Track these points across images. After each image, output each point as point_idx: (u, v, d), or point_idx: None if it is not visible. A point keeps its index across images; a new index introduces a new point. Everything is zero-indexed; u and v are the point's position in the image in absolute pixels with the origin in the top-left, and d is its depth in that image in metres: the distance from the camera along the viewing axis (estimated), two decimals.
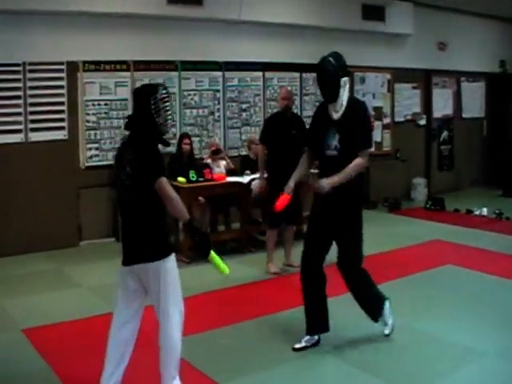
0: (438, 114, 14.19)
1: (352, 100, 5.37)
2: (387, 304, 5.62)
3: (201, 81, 10.34)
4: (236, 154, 10.61)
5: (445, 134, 14.32)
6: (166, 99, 4.15)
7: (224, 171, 8.95)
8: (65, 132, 9.16)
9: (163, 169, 4.13)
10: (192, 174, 8.30)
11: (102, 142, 9.41)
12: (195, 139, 9.99)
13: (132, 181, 4.14)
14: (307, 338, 5.47)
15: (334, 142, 5.19)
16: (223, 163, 9.20)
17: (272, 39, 11.02)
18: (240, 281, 7.36)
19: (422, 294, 7.05)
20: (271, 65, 11.12)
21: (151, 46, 9.72)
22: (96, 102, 9.40)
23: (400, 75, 13.27)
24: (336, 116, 5.25)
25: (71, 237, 9.25)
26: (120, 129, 9.32)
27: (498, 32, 15.32)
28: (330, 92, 5.19)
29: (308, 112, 11.64)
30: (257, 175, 8.45)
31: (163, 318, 4.26)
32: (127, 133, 4.31)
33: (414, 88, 13.71)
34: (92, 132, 9.36)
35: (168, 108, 4.16)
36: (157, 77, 9.77)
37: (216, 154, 9.28)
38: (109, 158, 9.22)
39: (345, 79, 5.18)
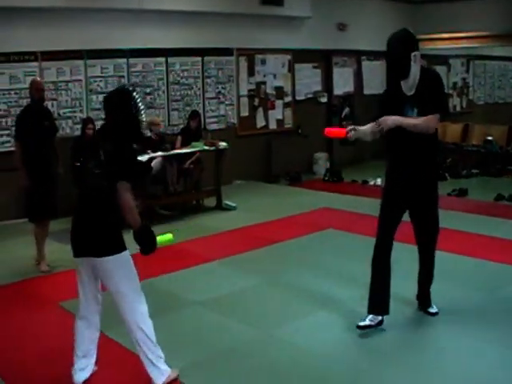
0: (338, 91, 15.00)
1: (424, 72, 5.21)
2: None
3: (106, 68, 10.92)
4: None
5: (346, 110, 15.15)
6: (140, 100, 4.48)
7: None
8: None
9: (132, 174, 4.33)
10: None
11: (13, 128, 9.85)
12: (101, 123, 10.54)
13: (103, 170, 4.32)
14: (371, 316, 5.47)
15: (414, 115, 5.13)
16: None
17: (173, 26, 11.61)
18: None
19: (298, 252, 8.03)
20: (173, 50, 11.77)
21: (58, 37, 10.18)
22: (6, 92, 9.91)
23: (300, 56, 14.00)
24: (410, 92, 5.19)
25: None
26: None
27: (396, 12, 16.07)
28: (400, 69, 5.10)
29: (210, 94, 12.45)
30: (158, 153, 9.33)
31: (127, 313, 4.42)
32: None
33: (314, 68, 14.47)
34: (3, 120, 9.89)
35: (143, 107, 4.49)
36: (64, 65, 10.37)
37: None
38: None
39: (415, 53, 5.07)
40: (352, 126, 5.35)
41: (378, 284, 5.44)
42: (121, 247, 4.36)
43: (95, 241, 4.33)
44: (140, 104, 4.46)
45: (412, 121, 5.08)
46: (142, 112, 4.49)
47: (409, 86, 5.17)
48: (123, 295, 4.38)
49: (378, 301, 5.46)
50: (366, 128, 5.39)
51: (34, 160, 7.35)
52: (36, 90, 7.55)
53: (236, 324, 5.78)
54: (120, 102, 4.46)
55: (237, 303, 6.32)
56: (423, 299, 5.80)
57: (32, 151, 7.35)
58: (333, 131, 5.61)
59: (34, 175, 7.33)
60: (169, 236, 4.55)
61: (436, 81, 5.23)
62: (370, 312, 5.47)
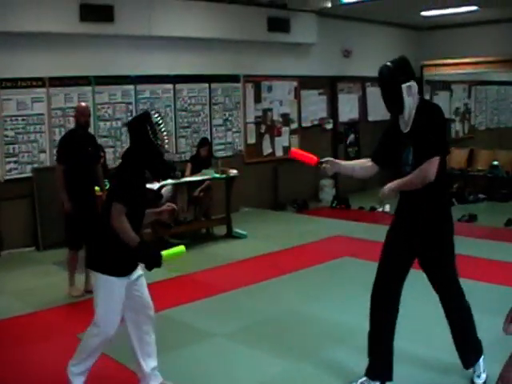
0: (344, 118, 14.95)
1: (422, 106, 4.44)
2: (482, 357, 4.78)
3: (114, 94, 10.83)
4: None
5: (351, 136, 15.09)
6: (160, 122, 4.46)
7: None
8: None
9: (127, 197, 4.30)
10: (104, 183, 8.88)
11: (20, 155, 9.81)
12: (109, 150, 10.55)
13: (108, 194, 4.60)
14: (364, 379, 4.73)
15: (410, 156, 4.43)
16: None
17: (181, 52, 11.57)
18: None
19: (316, 282, 7.86)
20: (181, 77, 11.71)
21: (65, 63, 10.10)
22: (14, 118, 9.79)
23: (306, 82, 13.97)
24: (406, 129, 4.46)
25: None
26: (37, 142, 9.88)
27: (401, 38, 16.12)
28: (391, 102, 4.44)
29: (218, 121, 12.36)
30: (168, 181, 9.20)
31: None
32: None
33: (320, 94, 14.42)
34: (10, 146, 9.75)
35: (163, 130, 4.46)
36: (72, 92, 10.26)
37: None
38: (27, 171, 9.78)
39: (409, 84, 4.34)
40: (328, 159, 4.75)
41: (375, 342, 4.69)
42: (110, 270, 4.40)
43: (92, 253, 4.68)
44: (159, 127, 4.43)
45: (405, 180, 4.37)
46: (162, 135, 4.44)
47: (404, 121, 4.45)
48: (96, 313, 4.48)
49: (376, 363, 4.69)
50: (355, 163, 4.95)
51: (75, 185, 7.30)
52: (82, 114, 7.51)
53: (262, 356, 5.61)
54: (135, 126, 4.51)
55: (259, 334, 6.14)
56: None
57: (73, 176, 7.30)
58: (300, 154, 4.94)
59: (73, 201, 7.28)
60: (181, 248, 4.50)
61: (432, 115, 4.41)
62: (366, 374, 4.71)
